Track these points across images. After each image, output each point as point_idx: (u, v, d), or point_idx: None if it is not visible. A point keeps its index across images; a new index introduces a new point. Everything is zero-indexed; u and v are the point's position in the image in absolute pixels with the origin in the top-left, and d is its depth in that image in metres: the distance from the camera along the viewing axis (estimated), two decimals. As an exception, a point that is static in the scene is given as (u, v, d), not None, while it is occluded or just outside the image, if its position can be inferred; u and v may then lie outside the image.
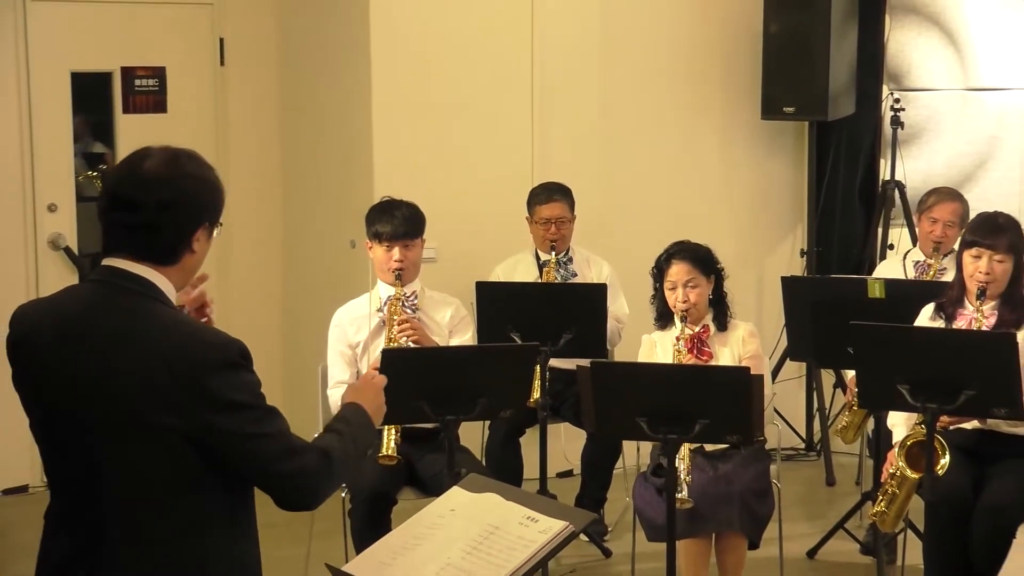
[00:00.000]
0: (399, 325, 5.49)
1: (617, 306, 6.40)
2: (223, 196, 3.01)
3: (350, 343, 5.64)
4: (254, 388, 2.88)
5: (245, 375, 2.86)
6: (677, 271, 5.47)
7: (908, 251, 6.82)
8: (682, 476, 5.11)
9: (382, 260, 5.64)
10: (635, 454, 6.45)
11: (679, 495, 5.03)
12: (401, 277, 5.60)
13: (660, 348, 5.54)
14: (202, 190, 2.96)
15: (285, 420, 2.92)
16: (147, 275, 2.90)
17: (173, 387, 2.79)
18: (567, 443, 6.97)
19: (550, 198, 6.54)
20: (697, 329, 5.46)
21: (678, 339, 5.42)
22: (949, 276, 6.27)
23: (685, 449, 5.16)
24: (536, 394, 5.86)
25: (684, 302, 5.44)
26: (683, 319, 5.43)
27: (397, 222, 5.62)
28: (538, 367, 5.77)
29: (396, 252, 5.60)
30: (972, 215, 5.58)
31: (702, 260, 5.50)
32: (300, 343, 7.50)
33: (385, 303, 5.61)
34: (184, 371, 2.79)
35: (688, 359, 5.36)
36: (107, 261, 2.93)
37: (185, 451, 2.82)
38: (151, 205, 2.88)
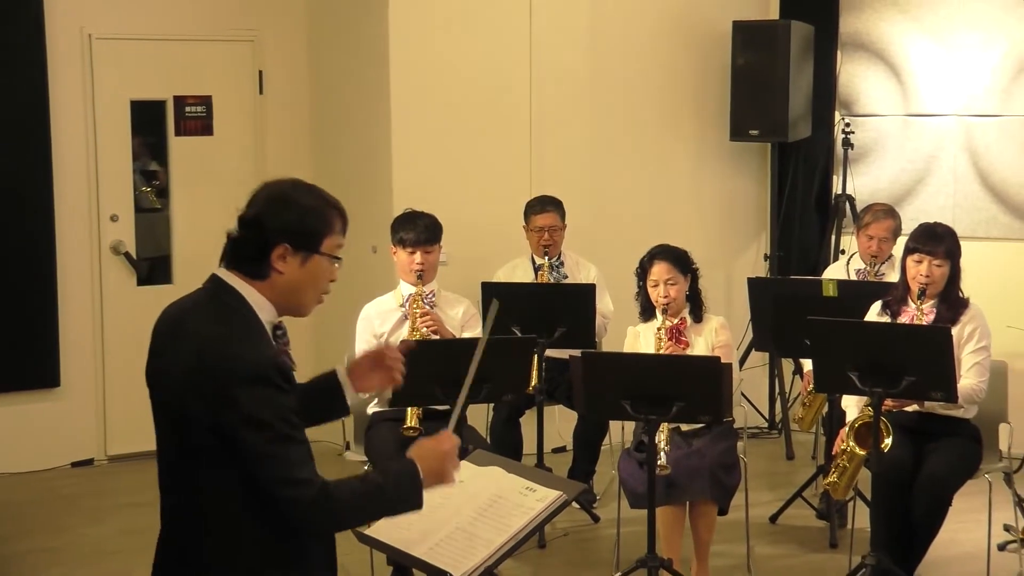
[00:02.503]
0: (422, 317, 5.49)
1: (603, 304, 6.39)
2: (311, 224, 2.78)
3: (375, 333, 5.62)
4: (280, 409, 2.67)
5: (274, 393, 2.67)
6: (659, 270, 5.47)
7: (851, 257, 6.81)
8: (661, 447, 5.12)
9: (405, 263, 5.63)
10: (620, 432, 6.44)
11: (659, 462, 5.06)
12: (422, 277, 5.60)
13: (643, 338, 5.53)
14: (281, 213, 2.77)
15: (303, 448, 2.70)
16: (238, 286, 2.77)
17: (207, 387, 2.67)
18: (561, 423, 6.96)
19: (544, 209, 6.54)
20: (676, 321, 5.45)
21: (659, 329, 5.42)
22: (888, 279, 6.27)
23: (664, 426, 5.16)
24: (535, 381, 5.85)
25: (665, 297, 5.43)
26: (664, 311, 5.44)
27: (419, 230, 5.61)
28: (535, 357, 5.77)
29: (418, 256, 5.59)
30: (912, 225, 5.56)
31: (680, 260, 5.50)
32: (328, 338, 7.49)
33: (407, 300, 5.61)
34: (220, 376, 2.66)
35: (668, 346, 5.36)
36: (216, 270, 2.83)
37: (215, 441, 2.70)
38: (244, 220, 2.79)
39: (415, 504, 2.82)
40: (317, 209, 2.81)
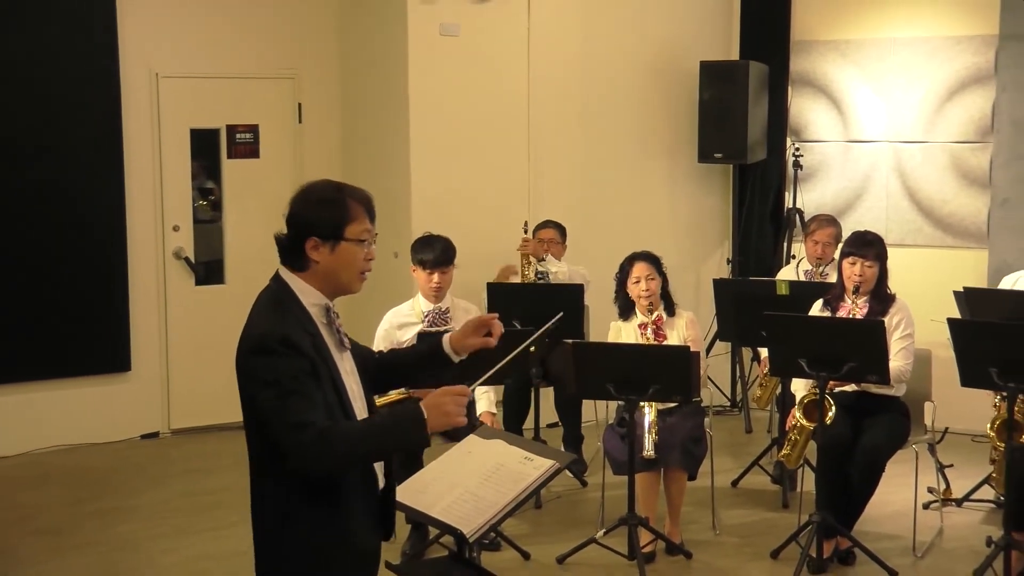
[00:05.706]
0: None
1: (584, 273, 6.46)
2: (331, 216, 2.73)
3: (394, 341, 5.53)
4: (284, 370, 2.61)
5: (277, 359, 2.61)
6: (640, 268, 5.46)
7: (800, 261, 6.80)
8: (648, 436, 5.13)
9: (424, 281, 5.55)
10: (604, 409, 6.43)
11: (646, 451, 5.09)
12: (438, 295, 5.56)
13: (624, 333, 5.52)
14: (306, 209, 2.74)
15: (307, 400, 2.61)
16: (286, 278, 2.76)
17: (239, 361, 2.70)
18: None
19: (545, 226, 6.69)
20: (654, 317, 5.45)
21: (644, 325, 5.41)
22: (831, 279, 6.27)
23: (654, 423, 5.16)
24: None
25: (646, 291, 5.42)
26: (649, 311, 5.41)
27: (437, 252, 5.51)
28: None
29: (435, 277, 5.50)
30: (849, 234, 5.57)
31: (655, 261, 5.51)
32: (353, 335, 7.46)
33: (427, 316, 5.55)
34: (239, 353, 2.70)
35: (650, 340, 5.36)
36: (278, 267, 2.81)
37: (249, 410, 2.71)
38: (286, 221, 2.78)
39: (419, 440, 2.66)
40: (335, 202, 2.76)
